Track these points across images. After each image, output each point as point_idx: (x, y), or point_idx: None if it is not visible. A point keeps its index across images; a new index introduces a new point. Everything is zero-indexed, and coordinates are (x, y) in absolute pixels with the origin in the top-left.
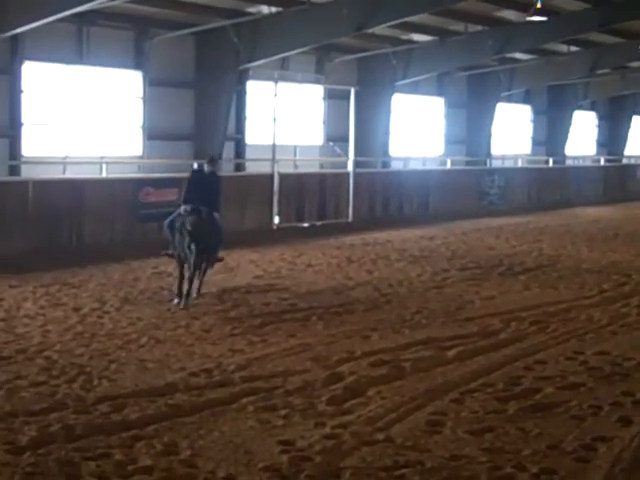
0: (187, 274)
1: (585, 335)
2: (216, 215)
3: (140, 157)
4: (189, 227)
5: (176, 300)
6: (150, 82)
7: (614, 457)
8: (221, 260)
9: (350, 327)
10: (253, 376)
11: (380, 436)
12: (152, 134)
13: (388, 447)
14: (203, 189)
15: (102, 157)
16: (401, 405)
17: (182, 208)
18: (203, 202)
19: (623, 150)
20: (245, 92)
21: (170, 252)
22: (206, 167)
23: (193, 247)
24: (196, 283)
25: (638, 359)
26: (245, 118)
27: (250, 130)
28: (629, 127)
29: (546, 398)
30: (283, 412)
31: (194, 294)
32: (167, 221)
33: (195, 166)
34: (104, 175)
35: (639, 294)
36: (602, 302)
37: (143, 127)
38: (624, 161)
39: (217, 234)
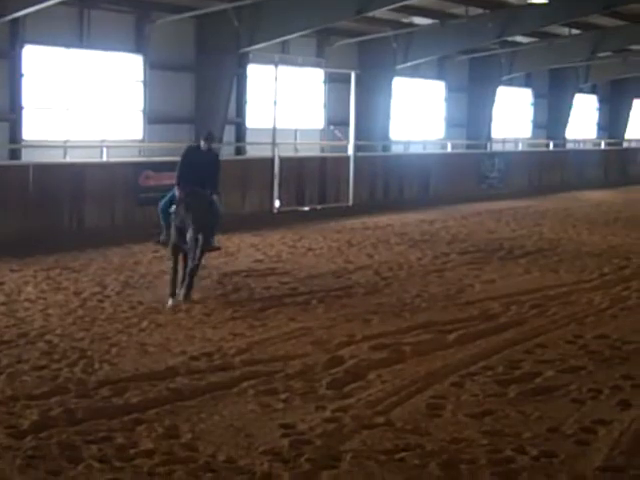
0: (182, 265)
1: (585, 318)
2: (215, 198)
3: (141, 141)
4: (189, 214)
5: (170, 302)
6: (151, 65)
7: (614, 440)
8: (218, 249)
9: (350, 311)
10: (254, 360)
11: (380, 419)
12: (152, 118)
13: (388, 430)
14: (200, 168)
15: (102, 141)
16: (401, 389)
17: (177, 191)
18: (200, 183)
19: (624, 134)
20: (246, 75)
21: (163, 239)
22: (203, 144)
23: (192, 236)
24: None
25: (638, 342)
26: (245, 102)
27: (250, 114)
28: (630, 110)
29: (546, 381)
30: (283, 396)
31: (181, 297)
32: (161, 204)
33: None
34: (104, 159)
35: (639, 278)
36: (602, 285)
37: (144, 111)
38: (625, 145)
39: (214, 220)
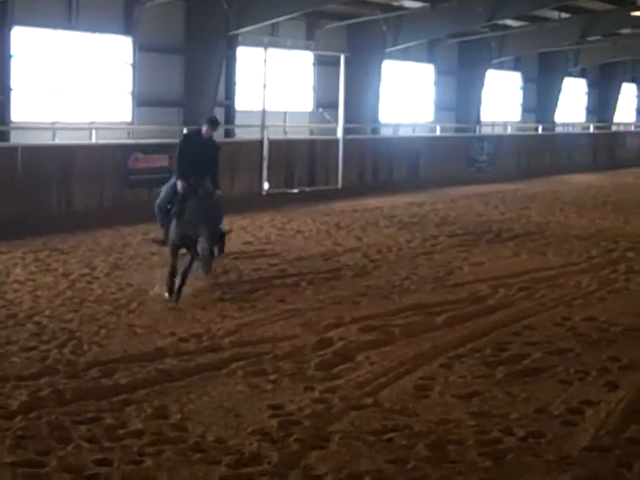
0: (184, 265)
1: (573, 301)
2: (218, 193)
3: (129, 123)
4: (198, 213)
5: (166, 295)
6: (140, 48)
7: (600, 421)
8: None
9: (339, 293)
10: (243, 341)
11: (369, 401)
12: (141, 100)
13: (376, 411)
14: (201, 158)
15: (91, 123)
16: (390, 370)
17: (179, 185)
18: (201, 174)
19: (612, 117)
20: (235, 58)
21: (161, 238)
22: (205, 130)
23: (207, 247)
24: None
25: (625, 324)
26: (235, 84)
27: (240, 96)
28: (618, 94)
29: (534, 363)
30: (272, 377)
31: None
32: (159, 201)
33: (185, 130)
34: (93, 141)
35: (627, 260)
36: (590, 268)
37: (132, 93)
38: (613, 128)
39: (218, 217)
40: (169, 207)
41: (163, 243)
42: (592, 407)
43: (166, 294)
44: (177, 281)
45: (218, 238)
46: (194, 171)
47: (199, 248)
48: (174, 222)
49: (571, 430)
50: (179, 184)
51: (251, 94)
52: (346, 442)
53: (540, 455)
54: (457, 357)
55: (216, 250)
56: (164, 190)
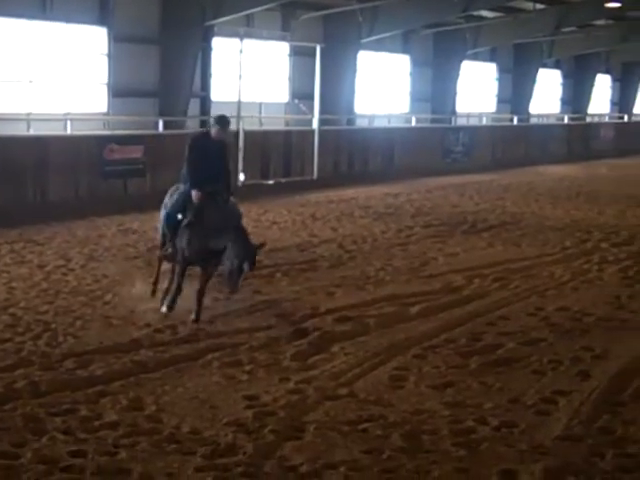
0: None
1: (547, 291)
2: (232, 200)
3: (105, 114)
4: (220, 222)
5: (164, 310)
6: (115, 38)
7: (573, 410)
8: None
9: (314, 284)
10: (218, 332)
11: (344, 391)
12: (117, 91)
13: (351, 402)
14: (211, 162)
15: (66, 114)
16: (364, 361)
17: (194, 195)
18: (213, 180)
19: (587, 108)
20: (210, 49)
21: (169, 251)
22: (215, 132)
23: (237, 264)
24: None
25: (598, 314)
26: (210, 75)
27: (215, 87)
28: (592, 85)
29: (508, 353)
30: (248, 367)
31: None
32: (167, 210)
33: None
34: (69, 132)
35: (600, 251)
36: (564, 259)
37: (108, 84)
38: (588, 120)
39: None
40: (179, 218)
41: (171, 258)
42: (565, 397)
43: (164, 308)
44: (177, 298)
45: (251, 252)
46: (207, 177)
47: (227, 262)
48: (186, 235)
49: (544, 420)
50: (195, 194)
51: (227, 85)
52: (321, 432)
53: (513, 444)
54: (431, 348)
55: (246, 266)
56: (171, 199)
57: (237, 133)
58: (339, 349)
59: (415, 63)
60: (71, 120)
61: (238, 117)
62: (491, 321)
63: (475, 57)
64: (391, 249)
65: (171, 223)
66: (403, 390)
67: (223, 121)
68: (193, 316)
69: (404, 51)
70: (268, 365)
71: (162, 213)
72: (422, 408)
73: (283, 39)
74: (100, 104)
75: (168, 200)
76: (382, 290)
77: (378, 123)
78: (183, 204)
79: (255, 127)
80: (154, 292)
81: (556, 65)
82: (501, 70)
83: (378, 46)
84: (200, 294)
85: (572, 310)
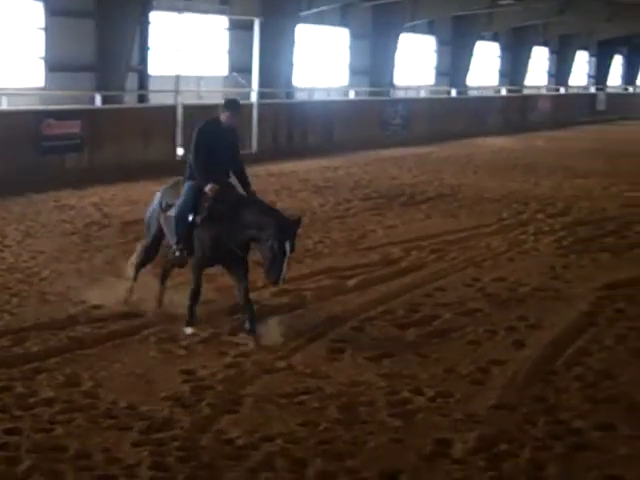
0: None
1: (483, 262)
2: (253, 189)
3: (42, 89)
4: (255, 207)
5: (190, 330)
6: (51, 12)
7: (507, 379)
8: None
9: (252, 257)
10: (155, 307)
11: (281, 364)
12: (53, 65)
13: (289, 375)
14: (223, 152)
15: (2, 89)
16: (302, 334)
17: (208, 188)
18: (224, 172)
19: (523, 81)
20: (148, 22)
21: (178, 255)
22: (226, 117)
23: (277, 225)
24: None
25: (533, 284)
26: (148, 49)
27: (153, 61)
28: (529, 58)
29: (444, 324)
30: (185, 342)
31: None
32: (178, 213)
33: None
34: (4, 107)
35: (536, 222)
36: (501, 230)
37: (44, 58)
38: (525, 92)
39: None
40: (190, 218)
41: (180, 262)
42: (500, 366)
43: (190, 329)
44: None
45: (290, 229)
46: (219, 169)
47: (264, 249)
48: (202, 233)
49: (479, 389)
50: (209, 187)
51: (165, 59)
52: (258, 405)
53: (448, 414)
54: (369, 320)
55: (288, 246)
56: (177, 199)
57: (175, 107)
58: (276, 322)
59: (354, 36)
60: (7, 95)
61: (177, 91)
62: (428, 292)
63: (414, 30)
64: (329, 222)
65: (181, 226)
66: (340, 362)
67: (235, 105)
68: (248, 325)
69: (343, 24)
70: (206, 339)
71: (149, 210)
72: (359, 380)
73: (222, 12)
74: (37, 79)
75: (167, 198)
76: (320, 263)
77: (317, 96)
78: (194, 203)
79: (194, 101)
80: (127, 301)
81: (494, 38)
82: (440, 43)
83: (317, 19)
84: (247, 297)
85: (508, 280)
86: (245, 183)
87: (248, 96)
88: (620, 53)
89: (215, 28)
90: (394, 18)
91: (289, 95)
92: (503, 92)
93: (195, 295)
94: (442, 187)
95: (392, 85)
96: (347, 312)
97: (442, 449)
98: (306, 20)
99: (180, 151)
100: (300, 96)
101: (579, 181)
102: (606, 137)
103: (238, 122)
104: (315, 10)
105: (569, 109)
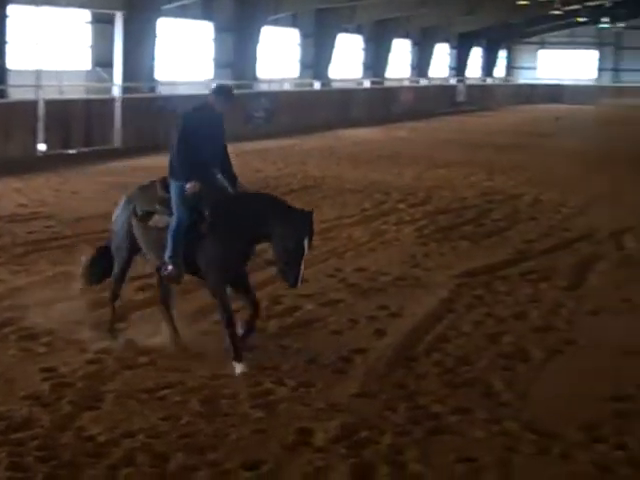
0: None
1: (345, 253)
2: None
3: None
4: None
5: (241, 368)
6: None
7: (368, 367)
8: None
9: None
10: (15, 305)
11: (144, 359)
12: None
13: (150, 370)
14: (209, 143)
15: None
16: (164, 329)
17: (188, 187)
18: (211, 166)
19: (385, 73)
20: (6, 16)
21: (171, 270)
22: (218, 104)
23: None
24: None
25: (394, 274)
26: (6, 43)
27: (12, 55)
28: (390, 50)
29: (306, 315)
30: (45, 340)
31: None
32: (176, 223)
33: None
34: None
35: (397, 212)
36: (363, 220)
37: None
38: (388, 84)
39: None
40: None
41: (177, 278)
42: (361, 355)
43: (240, 366)
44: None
45: (306, 224)
46: (207, 163)
47: (277, 250)
48: (214, 244)
49: (340, 378)
50: (190, 185)
51: (25, 53)
52: (119, 401)
53: (310, 404)
54: None
55: (306, 243)
56: (172, 204)
57: (36, 102)
58: (138, 317)
59: (218, 29)
60: None
61: (37, 86)
62: None
63: (277, 23)
64: None
65: (180, 237)
66: (202, 356)
67: (227, 90)
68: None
69: (206, 17)
70: (66, 337)
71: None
72: (220, 373)
73: (83, 6)
74: None
75: (142, 205)
76: None
77: (181, 90)
78: (190, 207)
79: (55, 96)
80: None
81: (358, 30)
82: (303, 35)
83: (180, 12)
84: (258, 311)
85: (370, 270)
86: (232, 177)
87: (110, 90)
88: (479, 45)
89: (76, 22)
90: (257, 11)
91: (152, 89)
92: (366, 84)
93: (231, 322)
94: (306, 179)
95: (255, 78)
96: (208, 306)
97: (304, 438)
98: (168, 13)
99: (42, 147)
100: (164, 90)
101: (440, 171)
102: (466, 128)
103: (230, 109)
104: (177, 3)
105: (430, 100)
